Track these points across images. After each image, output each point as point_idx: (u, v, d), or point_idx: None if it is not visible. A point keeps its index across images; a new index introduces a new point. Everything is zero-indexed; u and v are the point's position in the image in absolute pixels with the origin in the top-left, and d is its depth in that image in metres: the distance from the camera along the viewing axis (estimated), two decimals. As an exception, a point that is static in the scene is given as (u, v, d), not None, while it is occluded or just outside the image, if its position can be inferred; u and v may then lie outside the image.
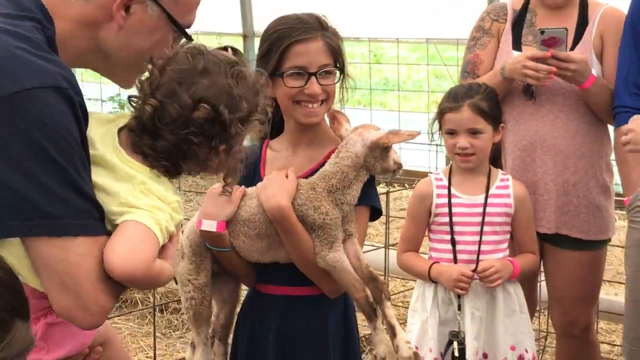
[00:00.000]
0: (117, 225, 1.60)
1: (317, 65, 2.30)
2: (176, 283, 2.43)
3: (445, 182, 3.05)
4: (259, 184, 2.34)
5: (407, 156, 5.47)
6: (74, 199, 1.51)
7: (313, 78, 2.30)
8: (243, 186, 2.36)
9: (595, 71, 3.04)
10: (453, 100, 2.99)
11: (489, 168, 3.03)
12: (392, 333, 2.23)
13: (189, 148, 1.66)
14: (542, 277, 3.44)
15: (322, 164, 2.34)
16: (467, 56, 3.29)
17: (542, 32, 2.99)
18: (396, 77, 6.68)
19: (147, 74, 1.70)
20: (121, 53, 1.70)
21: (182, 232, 2.39)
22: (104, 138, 1.66)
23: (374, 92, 8.82)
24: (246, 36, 7.48)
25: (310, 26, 2.31)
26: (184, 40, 1.76)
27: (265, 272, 2.42)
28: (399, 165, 2.38)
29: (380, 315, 2.25)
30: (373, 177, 2.37)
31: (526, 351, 3.00)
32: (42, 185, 1.47)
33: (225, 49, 1.75)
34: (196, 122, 1.63)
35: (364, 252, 4.19)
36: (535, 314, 4.06)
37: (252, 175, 2.41)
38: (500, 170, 3.07)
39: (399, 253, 3.18)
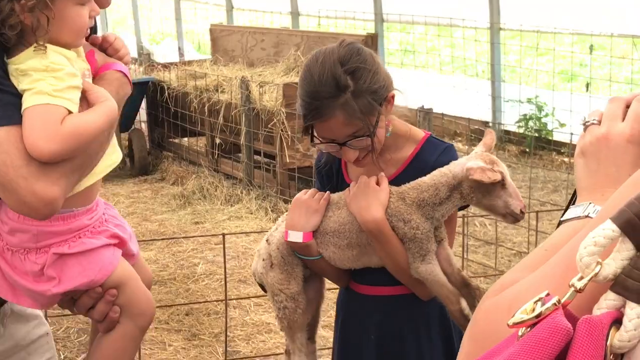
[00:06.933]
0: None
1: (343, 136, 2.16)
2: (264, 291, 2.45)
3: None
4: (348, 192, 2.29)
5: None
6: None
7: (345, 148, 2.18)
8: (328, 192, 2.35)
9: None
10: None
11: None
12: None
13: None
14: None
15: (407, 167, 2.29)
16: None
17: None
18: None
19: None
20: None
21: (267, 240, 2.41)
22: None
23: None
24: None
25: (327, 99, 2.12)
26: None
27: (360, 272, 2.37)
28: (512, 213, 2.18)
29: None
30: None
31: None
32: None
33: None
34: None
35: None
36: None
37: (335, 179, 2.38)
38: None
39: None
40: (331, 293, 3.05)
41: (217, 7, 14.17)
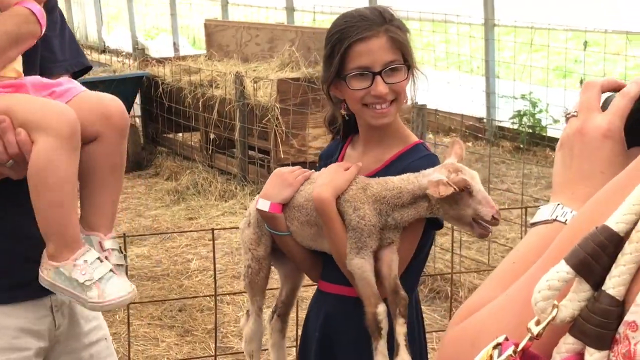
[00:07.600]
0: None
1: (381, 63, 2.19)
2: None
3: None
4: (319, 171, 2.34)
5: None
6: None
7: (378, 78, 2.18)
8: (312, 170, 2.39)
9: None
10: None
11: None
12: (396, 352, 2.17)
13: None
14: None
15: (387, 165, 2.30)
16: None
17: None
18: None
19: None
20: None
21: (255, 198, 2.44)
22: None
23: None
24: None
25: (372, 22, 2.21)
26: None
27: (328, 268, 2.37)
28: (482, 220, 2.10)
29: (384, 336, 2.19)
30: None
31: None
32: None
33: None
34: None
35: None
36: None
37: None
38: None
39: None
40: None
41: (212, 2, 14.22)
